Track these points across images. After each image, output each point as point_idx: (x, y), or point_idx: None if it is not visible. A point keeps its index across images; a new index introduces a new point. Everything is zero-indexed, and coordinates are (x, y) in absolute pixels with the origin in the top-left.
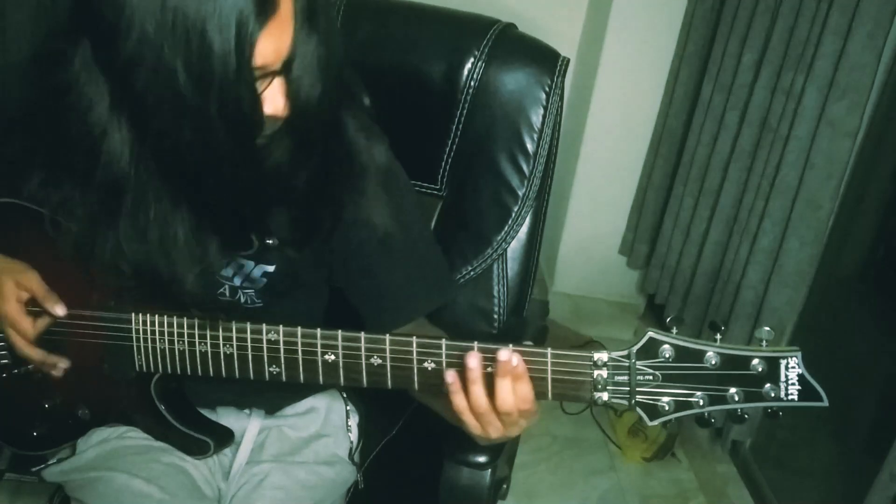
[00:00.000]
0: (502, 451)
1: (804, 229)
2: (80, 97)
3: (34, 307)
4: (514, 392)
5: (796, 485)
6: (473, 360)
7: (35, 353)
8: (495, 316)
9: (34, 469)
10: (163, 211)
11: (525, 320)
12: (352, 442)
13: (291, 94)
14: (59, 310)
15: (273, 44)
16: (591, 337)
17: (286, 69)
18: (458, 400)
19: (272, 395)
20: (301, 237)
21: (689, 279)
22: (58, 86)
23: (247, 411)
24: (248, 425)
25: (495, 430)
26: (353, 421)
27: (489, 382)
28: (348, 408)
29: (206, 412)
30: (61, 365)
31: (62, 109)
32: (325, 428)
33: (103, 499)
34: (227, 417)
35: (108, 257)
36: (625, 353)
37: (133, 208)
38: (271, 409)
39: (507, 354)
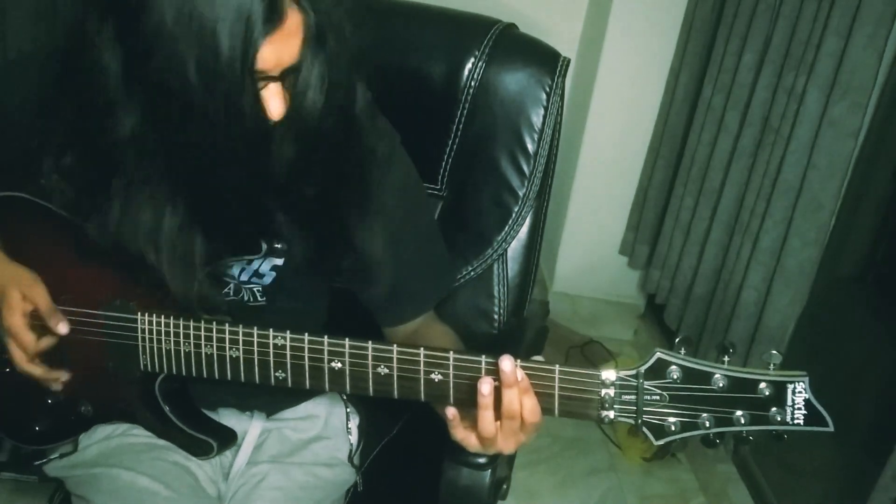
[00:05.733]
0: None
1: (806, 229)
2: (96, 68)
3: (38, 320)
4: (522, 404)
5: (796, 485)
6: (486, 387)
7: (35, 370)
8: (495, 316)
9: (36, 463)
10: (158, 196)
11: (525, 320)
12: (352, 444)
13: (294, 105)
14: (62, 328)
15: (275, 52)
16: (591, 337)
17: (284, 76)
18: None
19: (272, 397)
20: (311, 246)
21: (691, 279)
22: (79, 63)
23: (248, 413)
24: (249, 427)
25: (493, 447)
26: (354, 423)
27: (496, 397)
28: (348, 410)
29: (207, 413)
30: (62, 379)
31: (80, 85)
32: (326, 431)
33: (107, 495)
34: (228, 419)
35: (96, 230)
36: (633, 372)
37: (126, 186)
38: (271, 411)
39: (509, 366)
